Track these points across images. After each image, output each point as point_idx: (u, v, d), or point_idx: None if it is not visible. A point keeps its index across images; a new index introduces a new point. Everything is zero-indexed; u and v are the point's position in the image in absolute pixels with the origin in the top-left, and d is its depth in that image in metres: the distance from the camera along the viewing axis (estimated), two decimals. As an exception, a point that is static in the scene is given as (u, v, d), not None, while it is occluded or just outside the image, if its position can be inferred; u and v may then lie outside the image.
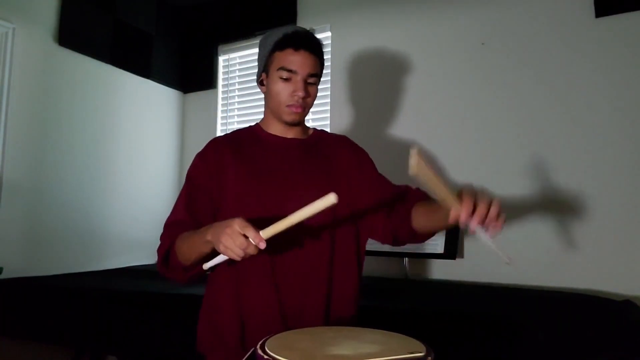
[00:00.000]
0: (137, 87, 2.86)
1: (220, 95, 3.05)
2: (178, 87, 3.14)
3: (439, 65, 2.30)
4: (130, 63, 2.79)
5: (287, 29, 1.17)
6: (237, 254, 0.90)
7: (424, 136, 2.29)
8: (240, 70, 3.01)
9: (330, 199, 0.86)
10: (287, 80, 1.15)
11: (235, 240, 0.89)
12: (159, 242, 1.14)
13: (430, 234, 1.18)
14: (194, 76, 3.13)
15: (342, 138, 1.34)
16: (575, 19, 2.00)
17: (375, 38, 2.47)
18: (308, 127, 1.32)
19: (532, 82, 2.07)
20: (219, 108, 3.04)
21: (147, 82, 2.92)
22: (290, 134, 1.25)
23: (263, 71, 1.22)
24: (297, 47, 1.14)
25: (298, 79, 1.15)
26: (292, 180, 1.18)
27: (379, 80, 2.44)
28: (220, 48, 3.04)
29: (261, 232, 0.90)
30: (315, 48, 1.17)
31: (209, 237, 0.94)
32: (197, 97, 3.14)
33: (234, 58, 3.04)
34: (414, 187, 1.25)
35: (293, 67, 1.14)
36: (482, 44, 2.20)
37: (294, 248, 1.13)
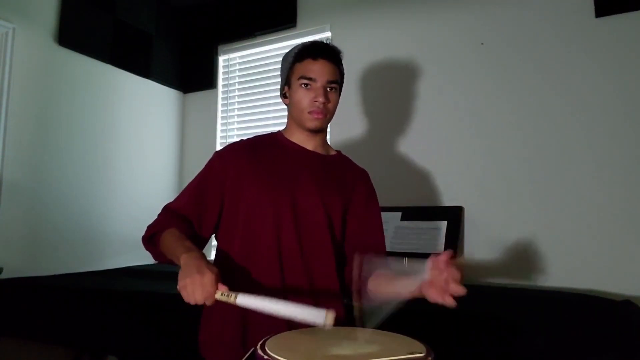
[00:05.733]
0: (137, 87, 2.86)
1: (220, 95, 3.05)
2: (178, 87, 3.14)
3: (439, 65, 2.29)
4: (130, 63, 2.78)
5: (306, 42, 1.25)
6: (185, 298, 0.94)
7: (424, 136, 2.29)
8: (240, 70, 3.01)
9: (321, 319, 0.85)
10: (307, 88, 1.20)
11: (194, 289, 0.92)
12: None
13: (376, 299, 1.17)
14: (194, 76, 3.13)
15: (363, 171, 1.37)
16: (575, 19, 2.00)
17: (375, 38, 2.47)
18: (330, 147, 1.35)
19: (532, 82, 2.07)
20: (219, 108, 3.04)
21: (147, 82, 2.92)
22: (311, 145, 1.27)
23: (285, 84, 1.27)
24: (315, 57, 1.21)
25: (318, 85, 1.20)
26: (305, 189, 1.20)
27: (378, 81, 2.44)
28: (220, 48, 3.04)
29: (239, 297, 0.92)
30: (333, 57, 1.23)
31: (182, 261, 0.99)
32: (197, 97, 3.14)
33: (234, 58, 3.03)
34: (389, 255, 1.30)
35: (312, 75, 1.20)
36: (482, 44, 2.20)
37: (302, 256, 1.16)
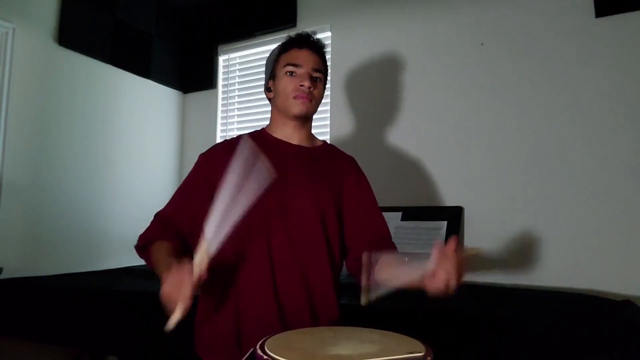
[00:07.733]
0: (137, 87, 2.86)
1: (220, 95, 3.05)
2: (178, 87, 3.14)
3: (439, 66, 2.29)
4: (130, 63, 2.78)
5: (291, 34, 1.27)
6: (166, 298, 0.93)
7: (424, 136, 2.29)
8: (240, 70, 3.01)
9: None
10: (292, 75, 1.21)
11: (172, 292, 0.92)
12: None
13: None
14: (194, 76, 3.13)
15: (350, 158, 1.36)
16: (575, 19, 2.00)
17: (375, 38, 2.47)
18: (316, 138, 1.34)
19: (532, 82, 2.07)
20: (219, 108, 3.04)
21: (147, 82, 2.92)
22: (296, 139, 1.27)
23: (270, 78, 1.28)
24: (300, 46, 1.24)
25: (303, 71, 1.21)
26: (295, 185, 1.20)
27: (379, 81, 2.44)
28: (220, 48, 3.04)
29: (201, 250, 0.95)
30: (317, 47, 1.25)
31: (163, 277, 0.98)
32: (197, 97, 3.14)
33: (234, 58, 3.03)
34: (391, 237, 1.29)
35: (298, 62, 1.21)
36: (482, 44, 2.20)
37: (294, 254, 1.15)
